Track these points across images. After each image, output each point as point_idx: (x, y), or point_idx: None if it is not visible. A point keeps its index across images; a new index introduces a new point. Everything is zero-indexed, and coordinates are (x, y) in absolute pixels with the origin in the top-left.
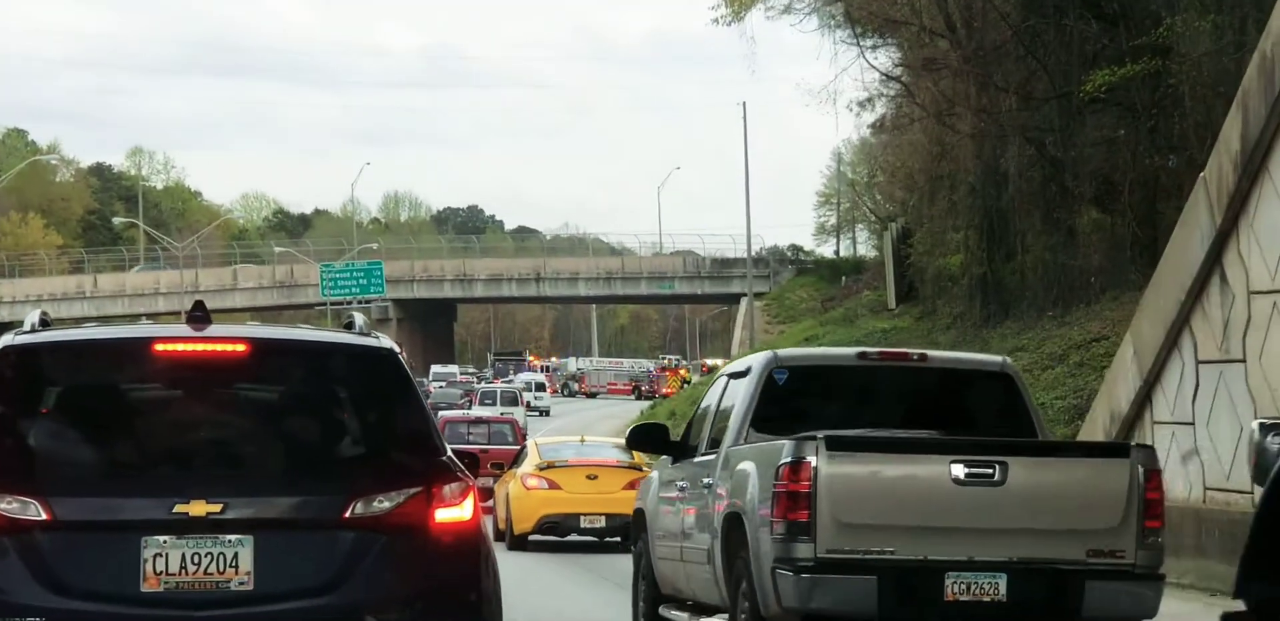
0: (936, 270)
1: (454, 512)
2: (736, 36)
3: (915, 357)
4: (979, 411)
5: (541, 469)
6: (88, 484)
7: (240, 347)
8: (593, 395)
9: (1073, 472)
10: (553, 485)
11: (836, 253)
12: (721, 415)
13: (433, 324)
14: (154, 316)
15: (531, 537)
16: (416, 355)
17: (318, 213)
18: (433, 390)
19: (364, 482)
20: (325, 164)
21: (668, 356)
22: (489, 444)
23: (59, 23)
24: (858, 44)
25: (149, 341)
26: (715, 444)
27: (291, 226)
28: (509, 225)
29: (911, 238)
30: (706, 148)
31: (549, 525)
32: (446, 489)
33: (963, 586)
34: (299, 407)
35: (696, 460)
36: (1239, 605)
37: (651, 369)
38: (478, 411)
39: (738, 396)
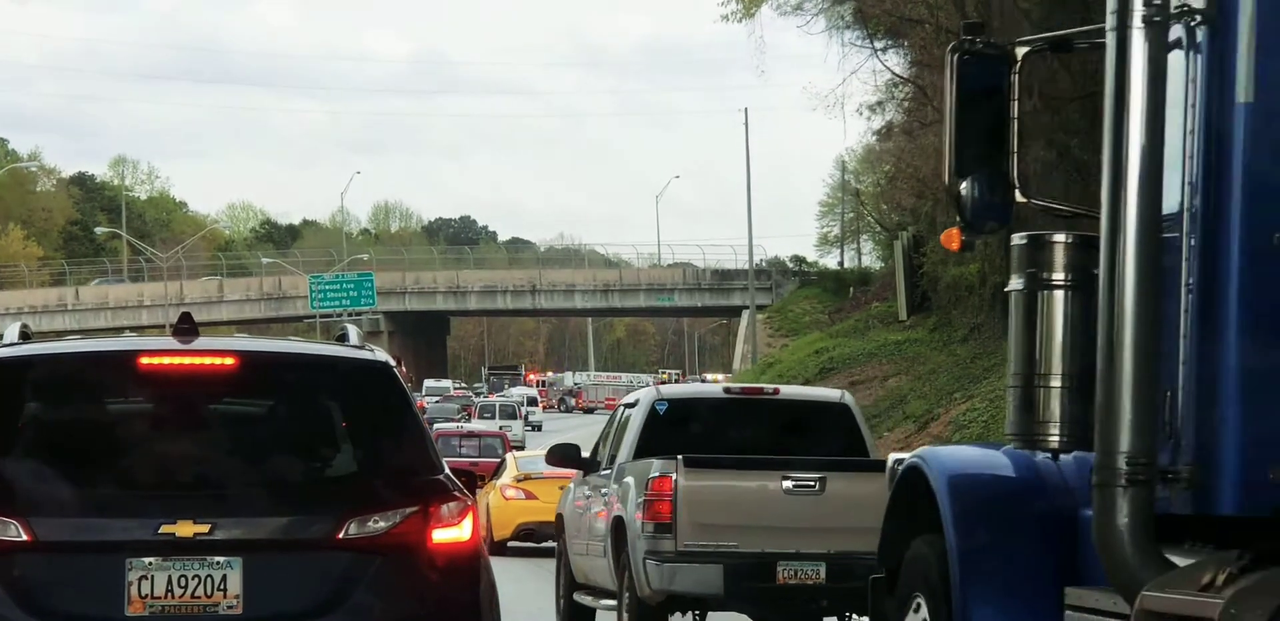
0: (951, 280)
1: (452, 533)
2: (745, 35)
3: (770, 391)
4: (821, 435)
5: (519, 480)
6: (70, 503)
7: (229, 361)
8: (590, 410)
9: (877, 483)
10: (529, 495)
11: (840, 263)
12: (617, 438)
13: (425, 337)
14: (138, 329)
15: (510, 543)
16: (409, 369)
17: (306, 223)
18: (426, 405)
19: (358, 502)
20: (313, 174)
21: (667, 371)
22: (479, 457)
23: (36, 28)
24: (870, 43)
25: (133, 355)
26: (612, 461)
27: (279, 237)
28: (502, 236)
29: (925, 246)
30: (705, 156)
31: (525, 532)
32: (444, 508)
33: (790, 572)
34: (290, 424)
35: (600, 474)
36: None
37: (650, 383)
38: (477, 425)
39: (630, 423)
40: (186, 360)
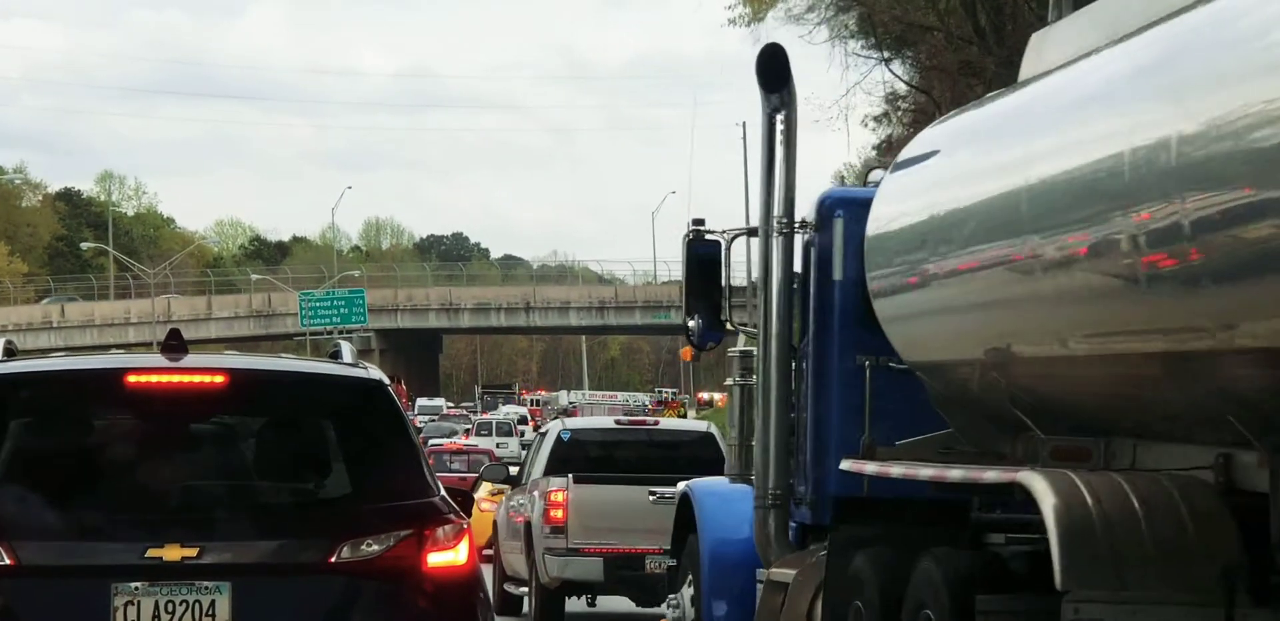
0: None
1: (447, 556)
2: (751, 43)
3: (651, 423)
4: (691, 458)
5: (493, 494)
6: (54, 526)
7: (219, 379)
8: (655, 422)
9: None
10: None
11: None
12: (533, 460)
13: (417, 355)
14: (125, 347)
15: (485, 551)
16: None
17: (296, 240)
18: (419, 423)
19: (351, 524)
20: (302, 190)
21: (663, 389)
22: (468, 472)
23: (18, 42)
24: (879, 50)
25: (121, 373)
26: (529, 477)
27: (268, 254)
28: (495, 253)
29: None
30: (701, 172)
31: None
32: (440, 531)
33: (656, 564)
34: (281, 444)
35: (523, 487)
36: None
37: (647, 402)
38: (474, 442)
39: (542, 448)
40: (175, 378)
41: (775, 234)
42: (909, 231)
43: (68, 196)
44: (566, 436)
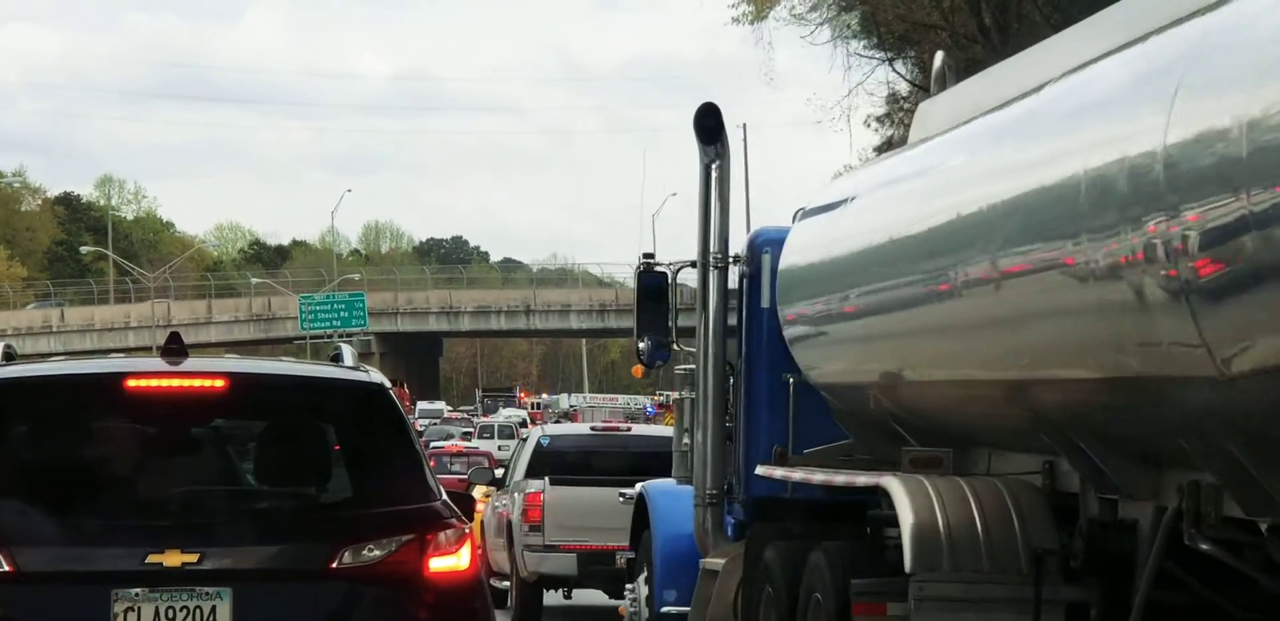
0: None
1: (449, 561)
2: (753, 42)
3: (624, 429)
4: (663, 462)
5: (485, 495)
6: (54, 532)
7: (219, 383)
8: (628, 429)
9: None
10: None
11: None
12: (514, 463)
13: (418, 358)
14: (125, 351)
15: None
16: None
17: (295, 244)
18: (419, 426)
19: (352, 529)
20: (301, 194)
21: (664, 393)
22: (465, 474)
23: (16, 47)
24: (882, 49)
25: (121, 377)
26: (512, 479)
27: (268, 258)
28: (494, 257)
29: None
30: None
31: None
32: (441, 536)
33: (624, 560)
34: (282, 448)
35: (506, 489)
36: None
37: (648, 405)
38: (476, 444)
39: (524, 452)
40: (175, 382)
41: (711, 267)
42: (810, 270)
43: (67, 200)
44: (546, 442)
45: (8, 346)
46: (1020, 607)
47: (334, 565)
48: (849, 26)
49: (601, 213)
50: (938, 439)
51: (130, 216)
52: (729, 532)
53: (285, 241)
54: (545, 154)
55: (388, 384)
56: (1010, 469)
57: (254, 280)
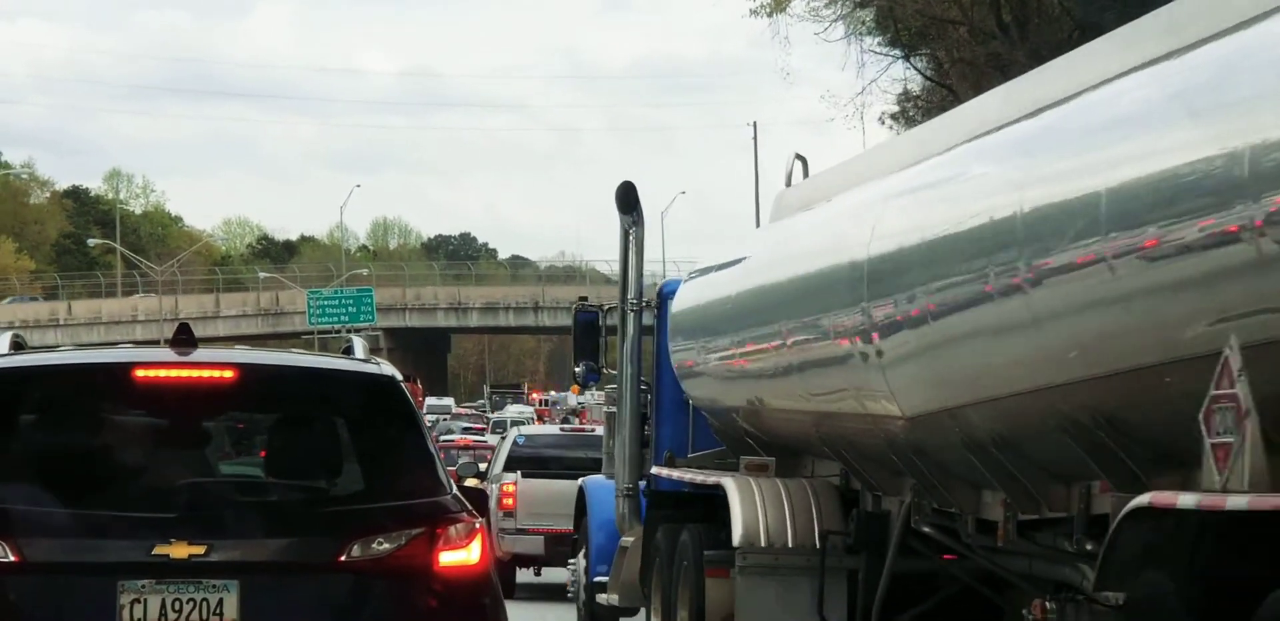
0: None
1: (459, 555)
2: (769, 37)
3: (589, 430)
4: None
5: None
6: (60, 522)
7: (228, 374)
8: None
9: None
10: None
11: None
12: (496, 457)
13: (426, 354)
14: (134, 344)
15: None
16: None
17: (304, 239)
18: (428, 422)
19: (362, 522)
20: (308, 190)
21: None
22: None
23: (25, 43)
24: (898, 46)
25: (129, 367)
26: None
27: (276, 253)
28: (502, 254)
29: None
30: (704, 174)
31: None
32: (452, 530)
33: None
34: (292, 440)
35: (488, 480)
36: None
37: None
38: (485, 439)
39: (501, 448)
40: (184, 373)
41: (629, 311)
42: (688, 319)
43: (75, 194)
44: (521, 440)
45: (16, 335)
46: (813, 573)
47: (343, 558)
48: (863, 23)
49: (608, 211)
50: (776, 450)
51: (138, 211)
52: (641, 518)
53: (293, 237)
54: (552, 152)
55: (399, 376)
56: (822, 472)
57: (262, 275)
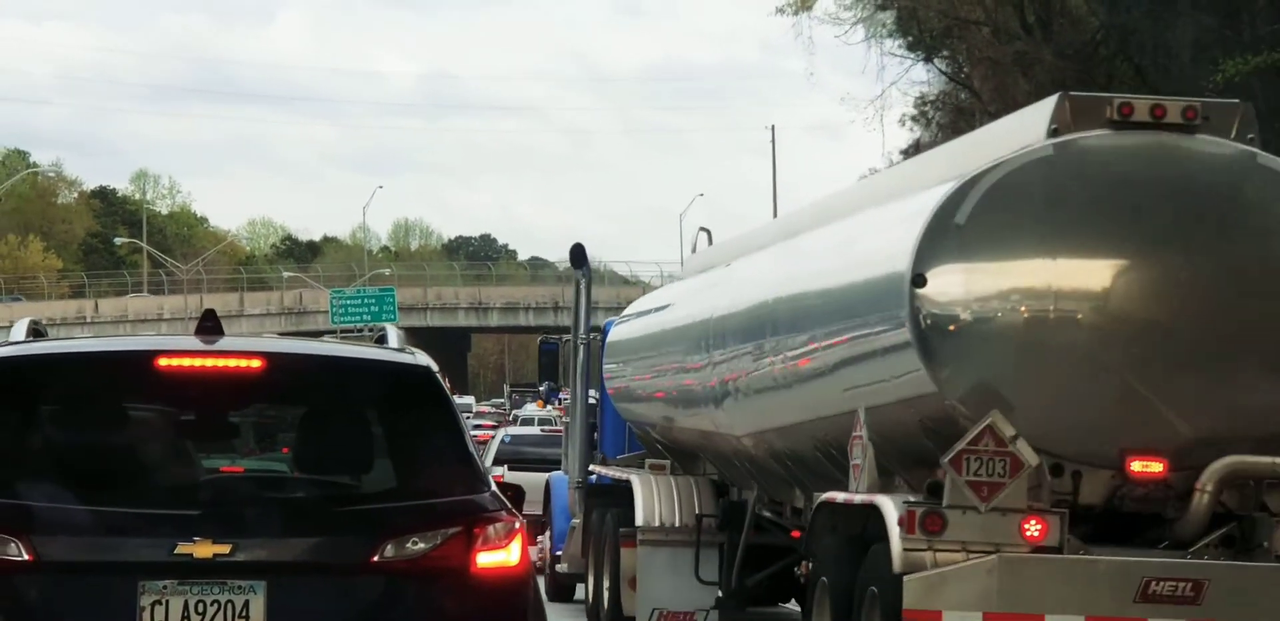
0: None
1: (498, 556)
2: (792, 38)
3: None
4: None
5: None
6: (77, 519)
7: (255, 363)
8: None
9: None
10: None
11: None
12: (485, 454)
13: (446, 353)
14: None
15: None
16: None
17: (327, 240)
18: None
19: (396, 521)
20: (330, 192)
21: None
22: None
23: (50, 45)
24: (920, 48)
25: (151, 355)
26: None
27: (300, 253)
28: (522, 255)
29: None
30: (717, 176)
31: None
32: (490, 529)
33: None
34: (322, 433)
35: None
36: None
37: None
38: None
39: (491, 445)
40: (209, 362)
41: (579, 344)
42: (616, 351)
43: (103, 194)
44: (508, 439)
45: (35, 322)
46: (692, 545)
47: (375, 559)
48: (884, 25)
49: (624, 213)
50: (676, 454)
51: (164, 211)
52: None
53: (316, 237)
54: (567, 155)
55: (435, 367)
56: (705, 472)
57: (285, 274)
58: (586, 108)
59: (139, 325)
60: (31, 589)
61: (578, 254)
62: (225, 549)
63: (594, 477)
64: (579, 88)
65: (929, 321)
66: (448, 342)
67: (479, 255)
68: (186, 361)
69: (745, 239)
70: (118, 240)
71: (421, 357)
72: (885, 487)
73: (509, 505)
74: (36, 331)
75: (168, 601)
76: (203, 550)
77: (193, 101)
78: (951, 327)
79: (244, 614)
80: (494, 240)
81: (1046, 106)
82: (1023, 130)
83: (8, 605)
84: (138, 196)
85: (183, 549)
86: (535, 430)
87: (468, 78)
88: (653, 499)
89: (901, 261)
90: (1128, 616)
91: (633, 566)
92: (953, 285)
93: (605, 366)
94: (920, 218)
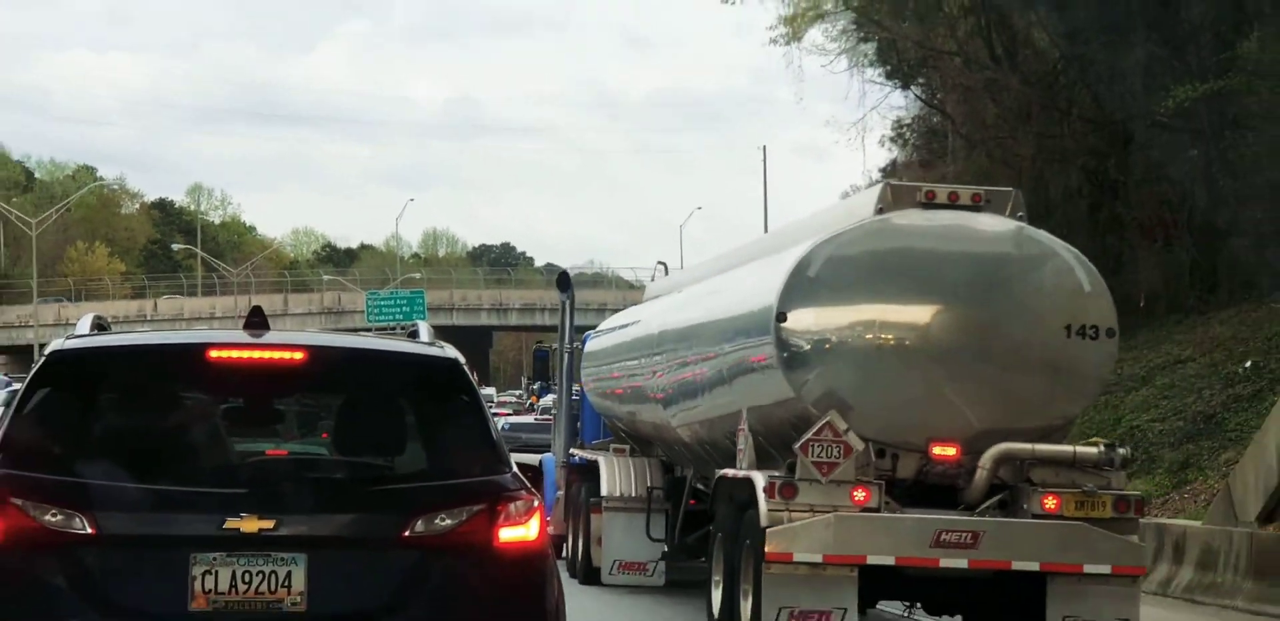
0: None
1: (519, 532)
2: (784, 66)
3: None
4: None
5: None
6: (135, 497)
7: (298, 355)
8: None
9: None
10: None
11: None
12: None
13: (470, 350)
14: None
15: None
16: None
17: (363, 247)
18: None
19: (425, 499)
20: (366, 204)
21: None
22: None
23: (113, 75)
24: (897, 77)
25: (203, 348)
26: None
27: (338, 259)
28: (538, 262)
29: None
30: (712, 193)
31: None
32: (512, 507)
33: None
34: (359, 419)
35: None
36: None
37: None
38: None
39: None
40: (256, 354)
41: (564, 352)
42: (588, 359)
43: (162, 205)
44: (507, 427)
45: (99, 317)
46: (644, 512)
47: (406, 533)
48: (865, 56)
49: (631, 224)
50: (635, 440)
51: (217, 221)
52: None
53: (354, 245)
54: (580, 172)
55: (462, 359)
56: (657, 454)
57: (325, 278)
58: (598, 129)
59: (193, 323)
60: (94, 559)
61: (563, 280)
62: (270, 524)
63: (575, 458)
64: (591, 112)
65: (789, 346)
66: (471, 340)
67: (500, 261)
68: (235, 353)
69: (685, 273)
70: (175, 246)
71: (450, 351)
72: (762, 466)
73: (528, 485)
74: (100, 326)
75: (217, 572)
76: (249, 525)
77: (242, 123)
78: (805, 351)
79: (286, 584)
80: (514, 248)
81: (874, 192)
82: (857, 209)
83: (73, 573)
84: (193, 207)
85: (231, 524)
86: (529, 419)
87: (491, 102)
88: (614, 475)
89: (770, 302)
90: (925, 556)
91: (599, 528)
92: (806, 320)
93: (583, 370)
94: (783, 271)
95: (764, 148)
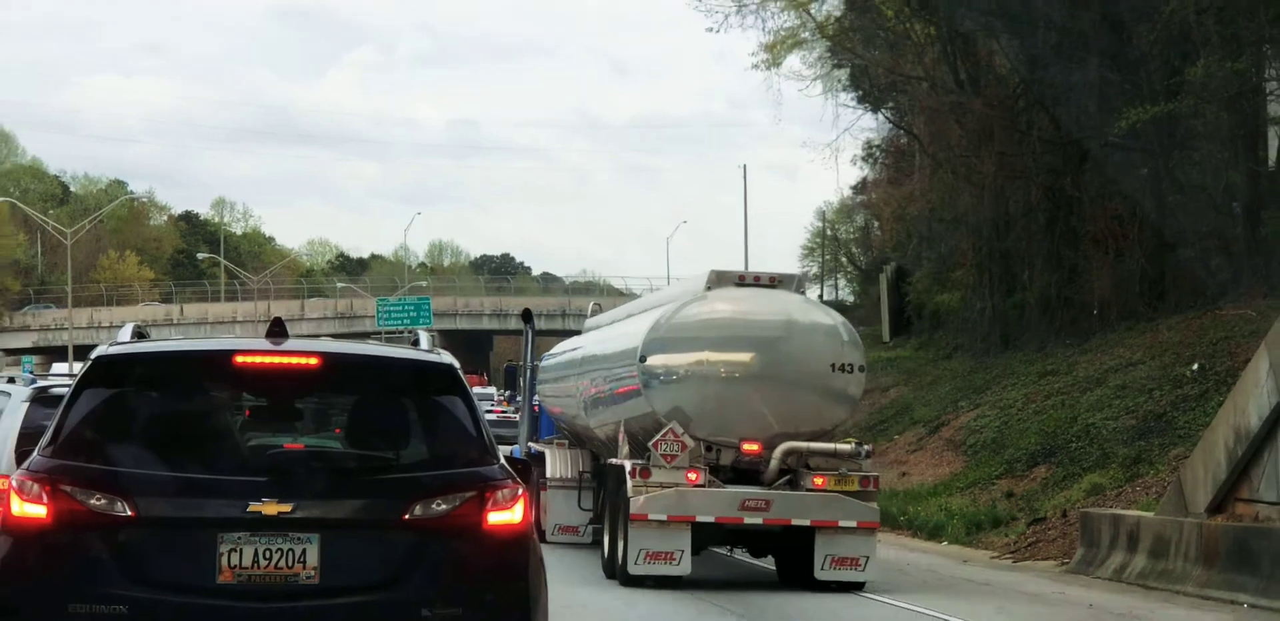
0: (935, 306)
1: (505, 516)
2: (765, 89)
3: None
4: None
5: None
6: (170, 484)
7: (313, 361)
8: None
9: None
10: None
11: (820, 296)
12: None
13: (472, 352)
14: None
15: None
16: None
17: (374, 257)
18: None
19: (423, 487)
20: (376, 217)
21: None
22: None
23: (141, 97)
24: (872, 97)
25: (230, 354)
26: None
27: (351, 268)
28: (535, 271)
29: (910, 277)
30: (701, 207)
31: None
32: (499, 493)
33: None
34: (366, 417)
35: None
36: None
37: None
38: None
39: None
40: (276, 359)
41: (527, 368)
42: (543, 374)
43: (188, 217)
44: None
45: (139, 326)
46: (577, 491)
47: (407, 517)
48: (839, 81)
49: (619, 236)
50: (574, 437)
51: (239, 232)
52: None
53: (365, 255)
54: (570, 189)
55: (457, 364)
56: (589, 447)
57: (339, 285)
58: (586, 150)
59: (216, 326)
60: (133, 539)
61: (526, 315)
62: (288, 508)
63: (531, 449)
64: (580, 134)
65: (649, 377)
66: (474, 343)
67: (500, 270)
68: (259, 359)
69: (606, 315)
70: (200, 255)
71: (446, 357)
72: (633, 456)
73: (514, 475)
74: (140, 333)
75: (241, 549)
76: (270, 509)
77: (261, 142)
78: (659, 380)
79: (302, 560)
80: (513, 258)
81: (704, 275)
82: (692, 286)
83: (115, 551)
84: (217, 219)
85: (254, 508)
86: (514, 417)
87: (489, 124)
88: (556, 462)
89: (637, 346)
90: (734, 516)
91: (546, 501)
92: (659, 361)
93: (539, 384)
94: (645, 327)
95: (744, 166)
